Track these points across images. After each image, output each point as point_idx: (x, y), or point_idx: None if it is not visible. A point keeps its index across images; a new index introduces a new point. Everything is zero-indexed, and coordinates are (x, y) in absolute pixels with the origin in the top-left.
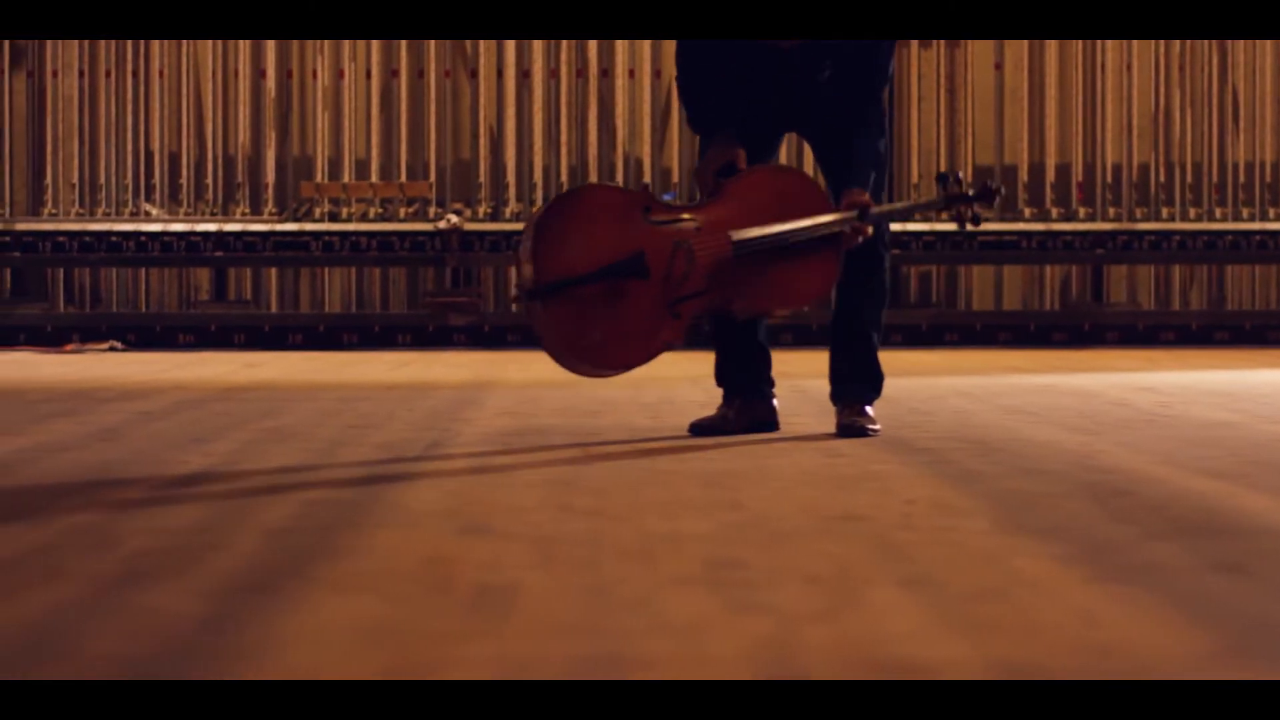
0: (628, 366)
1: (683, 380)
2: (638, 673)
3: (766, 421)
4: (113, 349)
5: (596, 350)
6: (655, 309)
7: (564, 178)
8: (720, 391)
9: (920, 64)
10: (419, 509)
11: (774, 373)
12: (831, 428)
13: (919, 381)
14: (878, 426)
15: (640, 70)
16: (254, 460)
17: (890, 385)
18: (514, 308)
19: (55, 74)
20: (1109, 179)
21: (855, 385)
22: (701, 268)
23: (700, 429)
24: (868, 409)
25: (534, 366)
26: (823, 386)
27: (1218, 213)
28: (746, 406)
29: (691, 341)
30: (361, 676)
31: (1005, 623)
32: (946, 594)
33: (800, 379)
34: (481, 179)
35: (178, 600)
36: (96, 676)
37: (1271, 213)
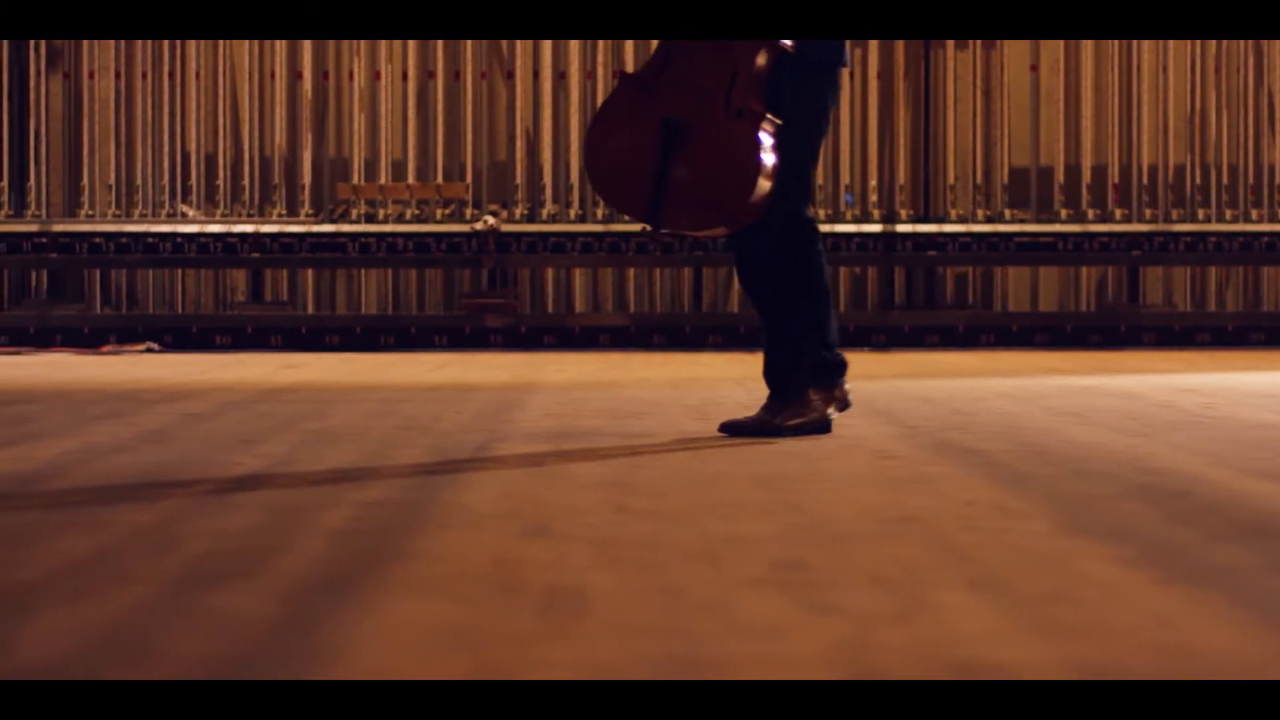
0: (768, 179)
1: (726, 381)
2: (719, 674)
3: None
4: (149, 350)
5: (732, 199)
6: (724, 134)
7: None
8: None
9: (956, 65)
10: (479, 511)
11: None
12: (878, 430)
13: (960, 383)
14: (799, 421)
15: None
16: (307, 462)
17: (931, 387)
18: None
19: (92, 75)
20: (1145, 180)
21: (774, 385)
22: (710, 71)
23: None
24: (790, 406)
25: (572, 368)
26: (864, 387)
27: (1253, 214)
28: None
29: (731, 342)
30: (447, 677)
31: (1080, 624)
32: (1017, 596)
33: None
34: (518, 180)
35: (250, 602)
36: (178, 677)
37: None
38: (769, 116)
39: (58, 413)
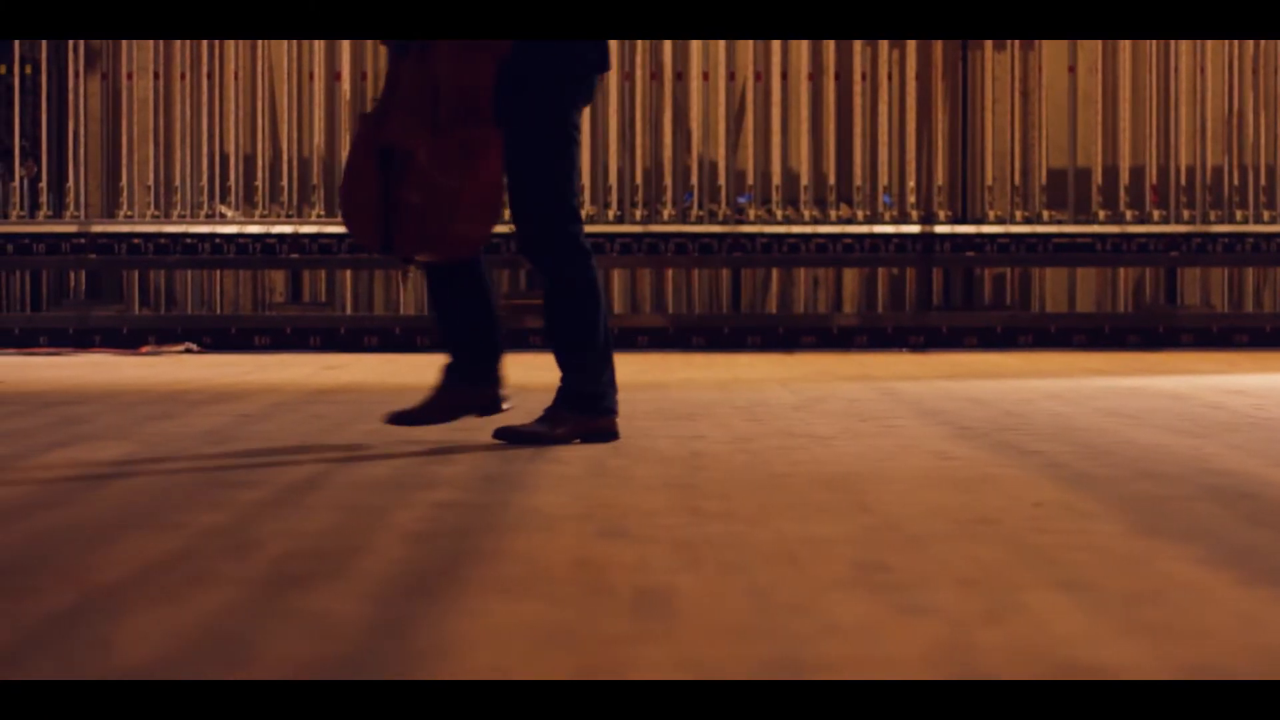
0: (482, 195)
1: (770, 382)
2: (820, 675)
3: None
4: (188, 351)
5: (444, 220)
6: (431, 155)
7: (638, 180)
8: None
9: (994, 67)
10: (551, 512)
11: (845, 376)
12: (932, 430)
13: (1005, 384)
14: (540, 431)
15: (715, 73)
16: (368, 463)
17: (977, 387)
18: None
19: (130, 76)
20: (1182, 181)
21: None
22: (418, 94)
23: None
24: (554, 416)
25: None
26: (909, 388)
27: None
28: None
29: (770, 344)
30: (552, 678)
31: (1172, 625)
32: (1105, 597)
33: (886, 381)
34: None
35: (342, 603)
36: (283, 678)
37: None
38: (478, 130)
39: (110, 413)
